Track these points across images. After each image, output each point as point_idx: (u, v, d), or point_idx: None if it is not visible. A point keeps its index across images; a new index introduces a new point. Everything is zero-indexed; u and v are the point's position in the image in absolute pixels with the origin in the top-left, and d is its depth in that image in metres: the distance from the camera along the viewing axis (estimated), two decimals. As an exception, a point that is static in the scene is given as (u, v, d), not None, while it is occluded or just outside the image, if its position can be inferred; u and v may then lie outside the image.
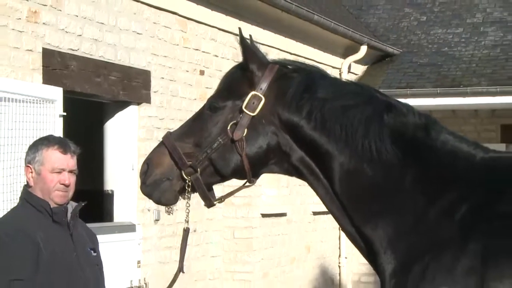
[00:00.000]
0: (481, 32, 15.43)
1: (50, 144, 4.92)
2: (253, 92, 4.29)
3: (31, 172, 4.91)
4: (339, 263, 14.47)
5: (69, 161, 4.92)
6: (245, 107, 4.27)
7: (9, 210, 5.21)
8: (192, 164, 4.32)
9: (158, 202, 4.46)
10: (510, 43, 14.96)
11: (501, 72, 14.23)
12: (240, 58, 4.44)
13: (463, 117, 14.19)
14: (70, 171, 4.92)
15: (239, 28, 4.51)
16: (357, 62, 14.63)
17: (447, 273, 4.04)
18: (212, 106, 4.38)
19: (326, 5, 14.37)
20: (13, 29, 7.78)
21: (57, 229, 4.94)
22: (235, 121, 4.28)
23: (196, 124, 4.45)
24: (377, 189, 4.29)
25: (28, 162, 4.93)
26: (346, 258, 14.45)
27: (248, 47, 4.38)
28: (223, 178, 4.44)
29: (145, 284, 9.28)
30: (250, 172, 4.34)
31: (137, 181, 4.58)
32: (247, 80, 4.35)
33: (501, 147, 13.05)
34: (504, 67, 14.38)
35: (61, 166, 4.87)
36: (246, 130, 4.27)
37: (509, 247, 3.98)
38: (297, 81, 4.36)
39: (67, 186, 4.89)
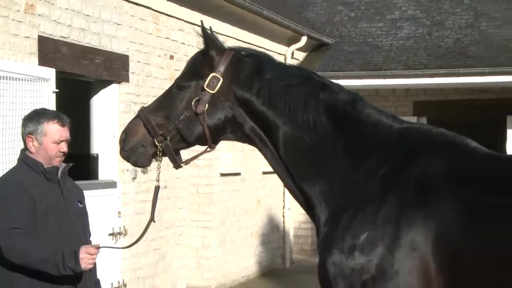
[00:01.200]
0: (398, 26, 15.47)
1: (50, 118, 4.86)
2: (212, 74, 4.29)
3: (32, 141, 4.83)
4: (283, 213, 14.47)
5: (66, 132, 4.88)
6: (206, 86, 4.28)
7: (7, 170, 5.11)
8: (163, 133, 4.32)
9: (134, 164, 4.47)
10: (420, 36, 15.02)
11: (413, 58, 14.31)
12: (202, 45, 4.40)
13: (384, 95, 14.24)
14: (66, 141, 4.89)
15: (201, 21, 4.50)
16: (298, 49, 14.56)
17: (369, 221, 4.08)
18: (179, 85, 4.39)
19: (274, 2, 14.29)
20: (13, 19, 7.66)
21: (50, 186, 4.87)
22: (198, 98, 4.29)
23: (166, 100, 4.43)
24: (314, 154, 4.30)
25: (30, 133, 4.83)
26: (289, 209, 14.44)
27: (208, 36, 4.36)
28: (188, 145, 4.44)
29: (125, 230, 9.25)
30: (211, 139, 4.35)
31: (117, 147, 4.53)
32: (207, 63, 4.34)
33: (413, 119, 13.08)
34: (416, 54, 14.45)
35: (61, 138, 4.83)
36: (207, 105, 4.28)
37: (419, 201, 4.04)
38: (249, 64, 4.37)
39: (63, 153, 4.86)
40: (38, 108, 5.14)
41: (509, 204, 3.95)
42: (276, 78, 4.36)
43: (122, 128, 4.53)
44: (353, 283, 4.05)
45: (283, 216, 14.48)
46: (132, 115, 4.62)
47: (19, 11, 7.74)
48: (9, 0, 7.60)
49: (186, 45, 10.62)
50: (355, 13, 16.06)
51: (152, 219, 4.55)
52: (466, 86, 14.38)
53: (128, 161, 4.43)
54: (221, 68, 4.31)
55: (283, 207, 14.44)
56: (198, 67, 4.39)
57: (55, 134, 4.81)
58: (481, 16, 15.22)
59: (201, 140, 4.39)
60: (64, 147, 4.86)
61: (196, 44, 4.47)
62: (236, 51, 4.43)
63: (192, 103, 4.30)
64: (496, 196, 4.01)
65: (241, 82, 4.33)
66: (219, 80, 4.29)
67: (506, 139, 14.88)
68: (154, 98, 4.70)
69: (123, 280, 9.59)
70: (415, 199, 4.04)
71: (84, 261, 4.58)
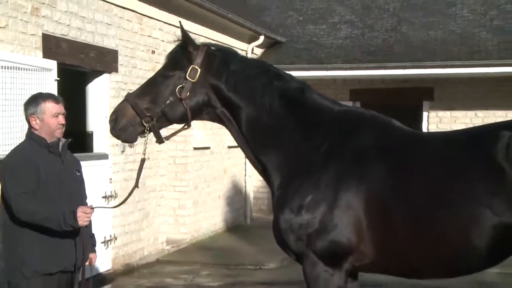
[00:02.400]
0: (338, 28, 15.46)
1: (45, 98, 4.80)
2: (192, 65, 4.29)
3: (35, 120, 4.76)
4: (245, 180, 14.48)
5: (60, 107, 4.80)
6: (188, 76, 4.28)
7: (17, 145, 5.04)
8: (151, 115, 4.30)
9: (124, 141, 4.51)
10: (355, 36, 15.03)
11: (350, 55, 14.33)
12: (177, 42, 4.41)
13: (326, 84, 14.22)
14: (62, 114, 4.80)
15: (180, 22, 4.61)
16: (257, 46, 14.50)
17: (314, 186, 4.12)
18: (164, 75, 4.37)
19: (237, 7, 14.23)
20: (21, 20, 7.56)
21: (52, 157, 4.80)
22: (181, 85, 4.29)
23: (151, 88, 4.39)
24: (270, 131, 4.32)
25: (32, 114, 4.77)
26: (249, 176, 14.45)
27: (187, 35, 4.34)
28: (170, 123, 4.43)
29: (115, 193, 9.20)
30: (190, 119, 4.36)
31: (108, 126, 4.49)
32: (186, 57, 4.32)
33: (349, 103, 13.10)
34: (352, 51, 14.47)
35: (57, 112, 4.75)
36: (188, 92, 4.28)
37: (353, 169, 4.08)
38: (219, 58, 4.37)
39: (62, 125, 4.79)
40: (35, 93, 5.04)
41: (423, 170, 4.02)
42: (240, 69, 4.36)
43: (112, 110, 4.49)
44: (300, 236, 4.11)
45: (245, 182, 14.50)
46: (120, 100, 4.57)
47: (26, 12, 7.64)
48: (18, 4, 7.49)
49: (165, 42, 10.52)
50: (303, 17, 16.03)
51: (136, 185, 4.56)
52: (391, 77, 14.48)
53: (118, 138, 4.45)
54: (198, 61, 4.30)
55: (245, 175, 14.46)
56: (179, 60, 4.35)
57: (52, 109, 4.75)
58: (403, 21, 15.29)
59: (182, 120, 4.39)
60: (62, 120, 4.79)
61: (173, 41, 4.46)
62: (208, 46, 4.42)
63: (176, 90, 4.28)
64: (413, 164, 4.08)
65: (213, 72, 4.33)
66: (197, 71, 4.28)
67: (422, 120, 15.11)
68: (138, 86, 4.64)
69: (114, 234, 9.54)
70: (351, 168, 4.10)
71: (81, 219, 4.55)
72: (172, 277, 9.41)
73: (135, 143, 4.52)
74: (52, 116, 4.75)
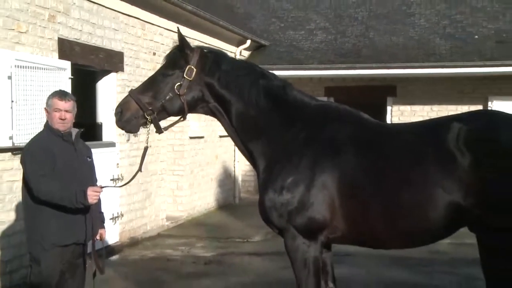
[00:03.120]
0: (314, 34, 15.45)
1: (54, 95, 4.78)
2: (189, 66, 4.25)
3: (46, 112, 4.78)
4: (234, 165, 14.45)
5: (65, 104, 4.72)
6: (185, 75, 4.24)
7: (36, 134, 5.01)
8: (152, 108, 4.26)
9: (128, 131, 4.42)
10: (329, 41, 15.04)
11: (324, 57, 14.33)
12: (175, 45, 4.36)
13: (304, 82, 14.20)
14: (66, 111, 4.72)
15: (178, 28, 4.49)
16: (245, 49, 14.43)
17: (293, 169, 4.12)
18: (164, 73, 4.32)
19: (227, 15, 14.18)
20: (39, 26, 7.48)
21: (66, 146, 4.76)
22: (179, 83, 4.24)
23: (152, 85, 4.34)
24: (256, 123, 4.31)
25: (46, 107, 4.79)
26: (238, 162, 14.43)
27: (184, 39, 4.29)
28: (169, 116, 4.38)
29: (121, 176, 9.16)
30: (187, 112, 4.32)
31: (114, 118, 4.45)
32: (183, 58, 4.28)
33: (324, 98, 13.11)
34: (326, 54, 14.47)
35: (59, 107, 4.71)
36: (186, 89, 4.24)
37: (327, 155, 4.08)
38: (211, 59, 4.34)
39: (63, 119, 4.71)
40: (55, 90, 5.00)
41: (387, 156, 4.04)
42: (230, 69, 4.34)
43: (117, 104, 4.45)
44: (282, 213, 4.11)
45: (234, 167, 14.49)
46: (125, 95, 4.53)
47: (44, 19, 7.58)
48: (37, 12, 7.45)
49: (164, 45, 10.46)
50: (284, 24, 16.01)
51: (140, 169, 4.53)
52: (360, 76, 14.48)
53: (123, 129, 4.38)
54: (194, 62, 4.26)
55: (234, 161, 14.44)
56: (177, 60, 4.30)
57: (55, 105, 4.71)
58: (370, 28, 15.31)
59: (179, 113, 4.35)
60: (63, 115, 4.71)
61: (171, 45, 4.45)
62: (202, 49, 4.39)
63: (175, 87, 4.23)
64: (379, 151, 4.09)
65: (207, 72, 4.29)
66: (193, 70, 4.24)
67: (386, 113, 15.15)
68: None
69: (121, 212, 9.52)
70: (325, 154, 4.10)
71: (91, 197, 4.54)
72: (172, 249, 9.41)
73: (138, 133, 4.49)
74: (54, 111, 4.72)
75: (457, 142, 3.89)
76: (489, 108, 13.46)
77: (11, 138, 6.83)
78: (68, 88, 7.31)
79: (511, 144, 3.81)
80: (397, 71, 13.79)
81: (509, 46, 13.57)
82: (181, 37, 4.29)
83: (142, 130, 4.39)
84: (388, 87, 15.05)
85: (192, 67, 4.24)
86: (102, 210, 5.12)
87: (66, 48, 8.01)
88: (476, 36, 14.28)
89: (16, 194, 6.83)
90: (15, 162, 6.73)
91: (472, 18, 14.93)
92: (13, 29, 7.07)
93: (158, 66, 4.60)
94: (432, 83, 14.56)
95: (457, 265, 8.18)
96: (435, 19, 15.20)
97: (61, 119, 4.72)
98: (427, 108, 14.60)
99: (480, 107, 13.46)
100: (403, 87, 14.96)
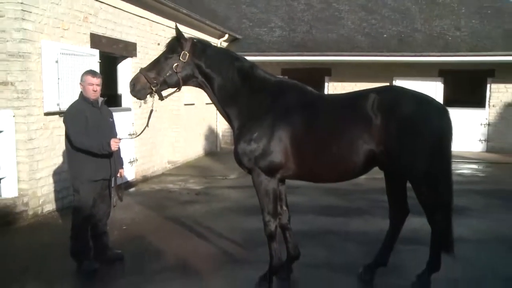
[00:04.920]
0: (273, 30, 15.19)
1: (87, 73, 4.70)
2: (184, 51, 4.15)
3: (82, 86, 4.67)
4: (216, 124, 14.32)
5: (95, 80, 4.66)
6: (181, 58, 4.15)
7: (73, 102, 4.89)
8: (157, 82, 4.16)
9: (139, 99, 4.30)
10: (285, 35, 14.79)
11: (281, 46, 14.15)
12: (173, 36, 4.25)
13: (266, 65, 13.77)
14: (97, 84, 4.67)
15: (176, 25, 4.40)
16: (224, 41, 14.12)
17: (259, 125, 4.08)
18: (165, 57, 4.21)
19: (211, 16, 13.83)
20: (77, 24, 7.32)
21: (94, 110, 4.68)
22: (176, 64, 4.15)
23: (156, 65, 4.23)
24: (232, 93, 4.23)
25: (80, 82, 4.68)
26: (219, 122, 14.30)
27: (180, 31, 4.19)
28: (168, 88, 4.27)
29: (135, 132, 9.03)
30: (181, 85, 4.22)
31: (129, 89, 4.35)
32: (180, 45, 4.17)
33: (281, 76, 13.07)
34: (282, 45, 14.29)
35: (92, 82, 4.64)
36: (181, 68, 4.15)
37: (283, 117, 4.04)
38: (199, 46, 4.24)
39: (95, 91, 4.65)
40: (86, 70, 4.90)
41: (324, 117, 4.03)
42: (213, 54, 4.25)
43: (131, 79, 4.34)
44: (250, 158, 4.10)
45: (216, 126, 14.39)
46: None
47: (80, 20, 7.43)
48: (75, 14, 7.33)
49: (166, 38, 10.04)
50: (252, 23, 15.72)
51: (147, 125, 4.53)
52: (306, 61, 14.37)
53: (135, 97, 4.29)
54: (187, 48, 4.16)
55: (216, 121, 14.31)
56: (175, 47, 4.20)
57: (88, 80, 4.64)
58: (313, 27, 15.17)
59: (176, 85, 4.24)
60: (95, 88, 4.64)
61: (171, 36, 4.34)
62: (193, 39, 4.29)
63: (173, 67, 4.14)
64: (318, 113, 4.08)
65: (196, 56, 4.19)
66: (186, 54, 4.14)
67: (324, 87, 15.12)
68: (149, 64, 4.53)
69: (135, 157, 9.41)
70: (281, 116, 4.06)
71: (113, 146, 4.52)
72: (172, 183, 9.39)
73: (146, 100, 4.36)
74: (88, 85, 4.64)
75: (372, 108, 3.93)
76: (393, 84, 13.60)
77: (58, 104, 6.82)
78: (97, 69, 7.19)
79: (407, 110, 3.89)
80: (332, 58, 13.78)
81: (406, 43, 13.86)
82: (178, 31, 4.19)
83: (149, 98, 4.30)
84: (326, 69, 15.02)
85: (186, 52, 4.15)
86: (122, 156, 5.07)
87: (95, 40, 7.81)
88: (385, 35, 14.40)
89: (62, 144, 6.77)
90: (61, 122, 6.69)
91: (382, 23, 15.01)
92: (59, 27, 6.96)
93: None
94: (356, 67, 14.58)
95: (370, 192, 8.35)
96: (358, 22, 15.18)
97: (93, 91, 4.65)
98: (352, 84, 14.63)
99: (387, 84, 13.59)
100: (336, 69, 14.94)
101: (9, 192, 6.33)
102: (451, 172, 4.00)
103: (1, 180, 6.32)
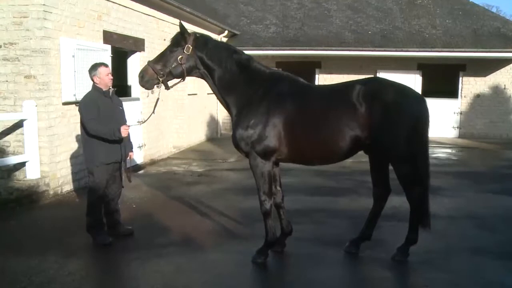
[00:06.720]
0: (268, 27, 15.05)
1: (101, 65, 4.65)
2: (187, 45, 4.10)
3: (97, 78, 4.62)
4: (217, 112, 14.26)
5: (108, 69, 4.66)
6: (185, 51, 4.09)
7: (87, 92, 4.84)
8: (163, 73, 4.11)
9: (147, 89, 4.25)
10: (279, 32, 14.64)
11: (276, 42, 14.05)
12: (177, 32, 4.18)
13: (262, 58, 13.70)
14: (110, 73, 4.67)
15: (180, 21, 4.32)
16: (224, 37, 13.98)
17: (255, 112, 4.05)
18: (170, 50, 4.15)
19: (212, 14, 13.68)
20: (91, 22, 7.28)
21: (106, 99, 4.65)
22: (181, 56, 4.10)
23: (163, 57, 4.17)
24: (230, 83, 4.18)
25: (95, 74, 4.62)
26: (219, 110, 14.24)
27: (184, 27, 4.15)
28: (173, 78, 4.22)
29: (143, 120, 8.97)
30: (185, 75, 4.17)
31: (138, 80, 4.31)
32: (183, 39, 4.12)
33: (275, 69, 13.00)
34: (276, 40, 14.18)
35: (108, 72, 4.64)
36: (185, 60, 4.10)
37: (277, 104, 4.00)
38: (202, 41, 4.18)
39: (111, 78, 4.67)
40: (93, 63, 4.81)
41: (313, 105, 4.01)
42: (214, 47, 4.19)
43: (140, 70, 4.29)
44: (247, 142, 4.08)
45: (217, 113, 14.34)
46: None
47: (94, 18, 7.39)
48: (90, 14, 7.28)
49: (171, 34, 9.97)
50: (250, 21, 15.57)
51: (153, 112, 4.51)
52: (298, 55, 14.25)
53: (143, 87, 4.24)
54: (190, 42, 4.10)
55: (217, 109, 14.26)
56: (179, 41, 4.14)
57: (105, 71, 4.61)
58: (305, 25, 15.04)
59: (181, 76, 4.19)
60: (110, 77, 4.66)
61: (176, 32, 4.30)
62: (195, 33, 4.22)
63: (178, 59, 4.09)
64: (308, 102, 4.05)
65: (199, 48, 4.13)
66: (190, 48, 4.09)
67: (315, 79, 15.04)
68: (156, 58, 4.47)
69: (144, 142, 9.37)
70: (275, 103, 4.02)
71: (123, 132, 4.50)
72: (177, 166, 9.38)
73: (153, 90, 4.32)
74: (105, 75, 4.61)
75: (358, 97, 3.92)
76: (377, 76, 13.57)
77: (74, 95, 6.84)
78: (109, 63, 7.16)
79: (389, 98, 3.88)
80: (322, 52, 13.69)
81: (388, 39, 13.83)
82: (182, 27, 4.14)
83: (156, 89, 4.26)
84: (316, 62, 14.94)
85: (189, 45, 4.10)
86: (131, 141, 5.05)
87: (108, 37, 7.75)
88: (370, 32, 14.31)
89: (78, 131, 6.80)
90: (77, 111, 6.72)
91: (367, 21, 14.92)
92: (75, 25, 6.95)
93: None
94: (343, 60, 14.51)
95: (355, 174, 8.39)
96: (345, 20, 15.07)
97: (110, 78, 4.65)
98: (340, 76, 14.56)
99: (372, 76, 13.54)
100: (325, 62, 14.86)
101: (33, 174, 6.41)
102: (428, 153, 4.02)
103: (26, 163, 6.38)
